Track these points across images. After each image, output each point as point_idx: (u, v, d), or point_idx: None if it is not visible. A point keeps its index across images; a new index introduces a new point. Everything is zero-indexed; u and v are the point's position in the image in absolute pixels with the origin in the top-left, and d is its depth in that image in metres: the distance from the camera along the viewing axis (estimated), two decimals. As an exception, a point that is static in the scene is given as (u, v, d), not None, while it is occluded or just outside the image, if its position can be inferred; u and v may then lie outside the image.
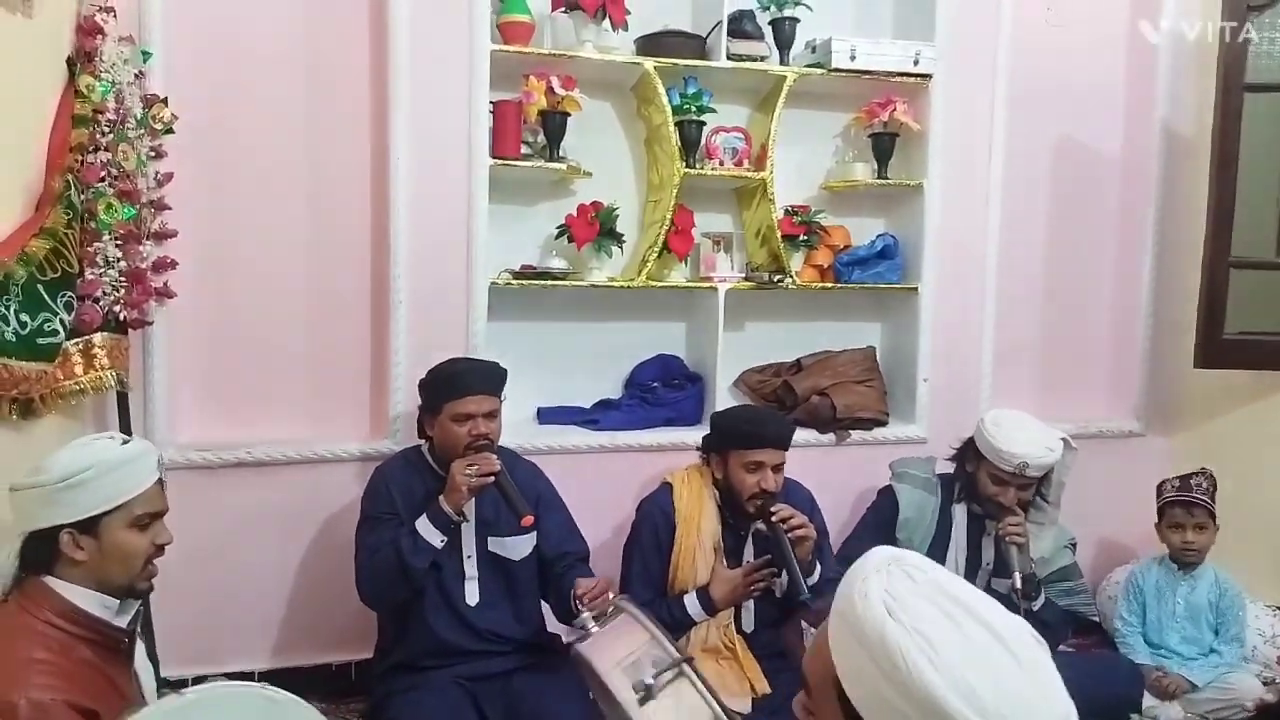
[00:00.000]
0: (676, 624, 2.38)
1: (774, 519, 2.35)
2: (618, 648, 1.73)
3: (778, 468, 2.45)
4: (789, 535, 2.33)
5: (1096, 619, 3.19)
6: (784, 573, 2.35)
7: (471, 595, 2.39)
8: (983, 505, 2.64)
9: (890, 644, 0.81)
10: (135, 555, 1.61)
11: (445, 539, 2.28)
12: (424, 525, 2.27)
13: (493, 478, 2.28)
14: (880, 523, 2.75)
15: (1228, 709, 2.80)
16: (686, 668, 1.65)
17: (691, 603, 2.41)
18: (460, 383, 2.36)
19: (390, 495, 2.40)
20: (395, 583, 2.28)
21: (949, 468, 2.79)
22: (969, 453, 2.68)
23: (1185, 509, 2.89)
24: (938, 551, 2.68)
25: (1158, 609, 2.97)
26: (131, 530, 1.61)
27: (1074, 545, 2.79)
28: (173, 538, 1.70)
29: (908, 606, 0.83)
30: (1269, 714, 2.14)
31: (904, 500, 2.72)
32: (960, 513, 2.71)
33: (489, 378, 2.41)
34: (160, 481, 1.67)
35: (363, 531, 2.40)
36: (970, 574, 2.68)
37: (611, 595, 2.13)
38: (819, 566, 2.43)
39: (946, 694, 0.78)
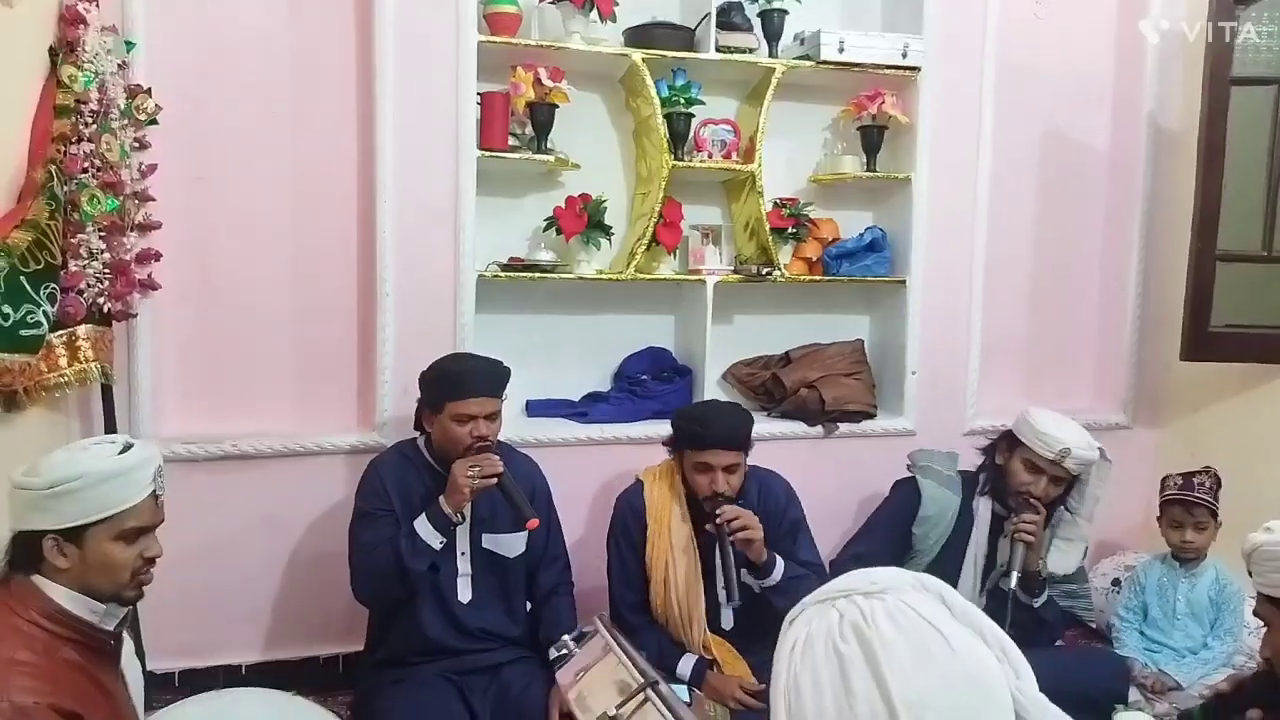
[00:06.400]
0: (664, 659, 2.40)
1: (718, 521, 2.31)
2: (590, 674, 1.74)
3: (730, 468, 2.38)
4: (731, 539, 2.29)
5: (1094, 625, 3.16)
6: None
7: (464, 592, 2.38)
8: (1009, 499, 2.60)
9: None
10: (119, 568, 1.55)
11: (444, 540, 2.26)
12: (423, 526, 2.24)
13: (496, 480, 2.25)
14: (900, 516, 2.69)
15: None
16: (651, 692, 1.63)
17: (685, 664, 2.41)
18: (464, 383, 2.31)
19: (386, 491, 2.36)
20: (391, 583, 2.26)
21: (966, 467, 2.75)
22: (1002, 443, 2.65)
23: (1185, 508, 2.83)
24: (955, 550, 2.64)
25: (1159, 607, 2.92)
26: (117, 543, 1.54)
27: (1086, 550, 2.74)
28: (162, 551, 1.62)
29: None
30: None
31: (928, 494, 2.66)
32: (984, 508, 2.65)
33: (493, 378, 2.37)
34: (155, 495, 1.59)
35: (357, 528, 2.36)
36: (987, 573, 2.65)
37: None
38: (779, 563, 2.39)
39: None
